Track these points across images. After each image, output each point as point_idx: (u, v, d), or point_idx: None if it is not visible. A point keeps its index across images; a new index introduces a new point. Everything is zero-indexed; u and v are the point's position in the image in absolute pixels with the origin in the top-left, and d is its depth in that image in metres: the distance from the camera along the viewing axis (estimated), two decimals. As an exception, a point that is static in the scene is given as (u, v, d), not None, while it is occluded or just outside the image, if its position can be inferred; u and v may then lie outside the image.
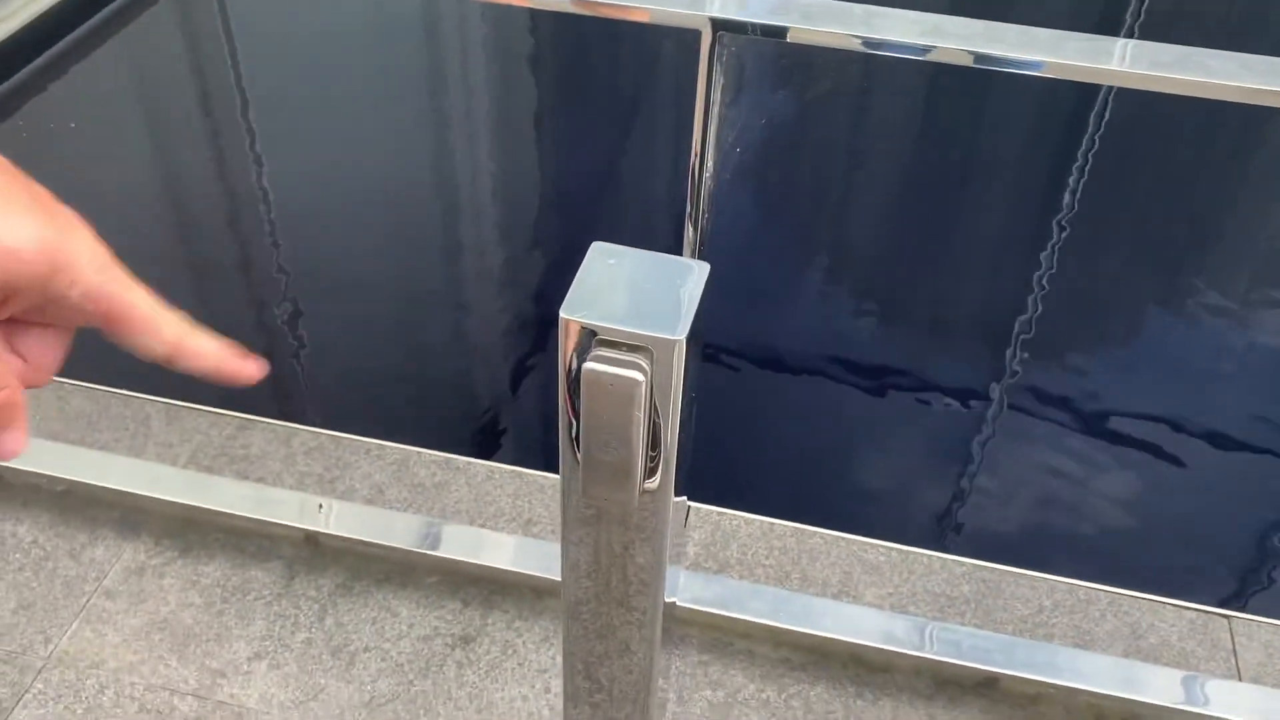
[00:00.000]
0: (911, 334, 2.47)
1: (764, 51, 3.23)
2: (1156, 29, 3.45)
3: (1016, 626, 1.61)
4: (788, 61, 3.26)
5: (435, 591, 1.64)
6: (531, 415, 2.25)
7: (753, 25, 1.27)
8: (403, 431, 1.91)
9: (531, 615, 1.61)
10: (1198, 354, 2.42)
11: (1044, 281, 2.52)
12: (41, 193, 0.46)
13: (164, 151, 2.91)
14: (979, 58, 1.25)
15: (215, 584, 1.64)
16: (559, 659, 1.53)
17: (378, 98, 3.11)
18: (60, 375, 2.05)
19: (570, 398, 0.68)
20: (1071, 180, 2.85)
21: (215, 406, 1.90)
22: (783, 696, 1.53)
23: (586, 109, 3.20)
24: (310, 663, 1.55)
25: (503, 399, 2.30)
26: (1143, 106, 3.05)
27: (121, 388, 1.93)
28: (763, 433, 2.19)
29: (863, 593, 1.65)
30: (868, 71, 3.29)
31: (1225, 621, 1.63)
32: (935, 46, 1.24)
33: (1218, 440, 2.18)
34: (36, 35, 3.02)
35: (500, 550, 1.67)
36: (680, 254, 1.36)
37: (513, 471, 1.81)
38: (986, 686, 1.54)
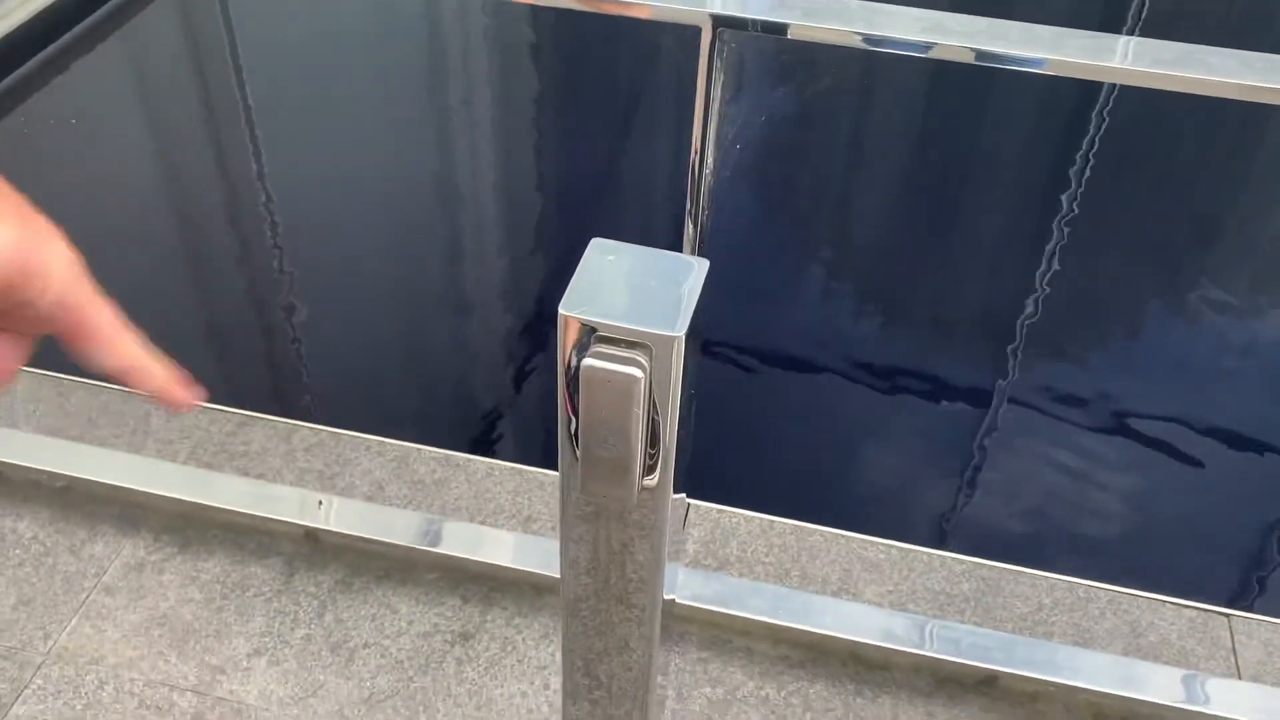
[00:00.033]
0: (911, 331, 2.47)
1: (764, 48, 3.22)
2: (1157, 30, 3.44)
3: (1016, 624, 1.61)
4: (788, 58, 3.26)
5: (435, 588, 1.64)
6: (532, 412, 2.25)
7: (753, 22, 1.27)
8: (403, 428, 1.91)
9: (531, 612, 1.61)
10: (1198, 352, 2.42)
11: (1044, 280, 2.52)
12: (18, 200, 0.47)
13: (165, 147, 2.91)
14: (981, 55, 1.25)
15: (215, 580, 1.64)
16: (558, 656, 1.53)
17: (376, 91, 3.11)
18: (60, 371, 2.06)
19: (569, 394, 0.68)
20: (1073, 178, 2.85)
21: (215, 403, 1.90)
22: (782, 694, 1.53)
23: (587, 106, 3.20)
24: (310, 659, 1.55)
25: (503, 396, 2.30)
26: (1145, 104, 3.05)
27: (121, 384, 1.93)
28: (762, 430, 2.19)
29: (862, 590, 1.65)
30: (869, 69, 3.29)
31: (1225, 620, 1.63)
32: (937, 44, 1.24)
33: (1218, 439, 2.18)
34: (38, 31, 3.02)
35: (500, 547, 1.67)
36: (680, 251, 1.36)
37: (513, 468, 1.81)
38: (986, 684, 1.54)
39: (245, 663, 1.54)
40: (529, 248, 2.73)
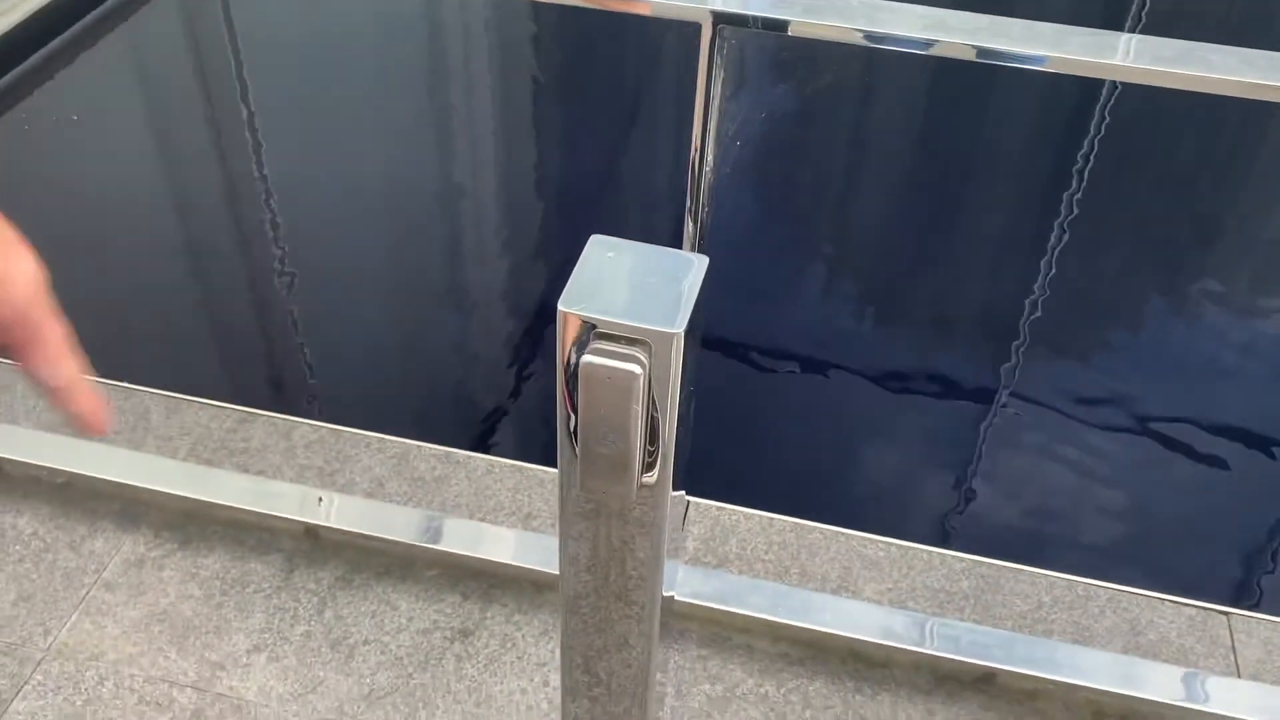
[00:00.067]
0: (912, 329, 2.47)
1: (765, 44, 3.22)
2: (1157, 30, 3.44)
3: (1015, 622, 1.61)
4: (788, 55, 3.25)
5: (435, 585, 1.64)
6: (532, 409, 2.25)
7: (754, 18, 1.27)
8: (403, 425, 1.91)
9: (531, 609, 1.61)
10: (1198, 350, 2.42)
11: (1043, 278, 2.52)
12: None
13: (166, 142, 2.91)
14: (982, 52, 1.25)
15: (215, 576, 1.64)
16: (558, 653, 1.53)
17: (375, 87, 3.11)
18: (60, 367, 1.99)
19: (568, 391, 0.68)
20: (1075, 175, 2.85)
21: (216, 400, 1.90)
22: (781, 691, 1.53)
23: (587, 102, 3.19)
24: (309, 655, 1.55)
25: (503, 393, 2.30)
26: (1147, 101, 3.05)
27: (122, 381, 1.93)
28: (762, 427, 2.19)
29: (862, 588, 1.65)
30: (869, 66, 3.28)
31: (1224, 618, 1.63)
32: (938, 41, 1.24)
33: (1218, 437, 2.18)
34: (39, 28, 3.02)
35: (500, 544, 1.67)
36: (680, 247, 1.36)
37: (513, 466, 1.81)
38: (985, 682, 1.54)
39: (245, 659, 1.54)
40: (529, 244, 2.73)
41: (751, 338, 2.38)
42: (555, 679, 1.53)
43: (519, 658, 1.56)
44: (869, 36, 1.25)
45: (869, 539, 1.71)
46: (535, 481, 1.78)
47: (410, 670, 1.54)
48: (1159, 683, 1.51)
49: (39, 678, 1.51)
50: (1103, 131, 3.00)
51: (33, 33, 3.00)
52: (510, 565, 1.64)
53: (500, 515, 1.73)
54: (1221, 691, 1.51)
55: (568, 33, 3.50)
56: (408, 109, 3.08)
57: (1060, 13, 3.45)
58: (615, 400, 0.66)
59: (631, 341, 0.65)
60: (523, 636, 1.58)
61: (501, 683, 1.53)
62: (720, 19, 1.27)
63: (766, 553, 1.69)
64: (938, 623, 1.58)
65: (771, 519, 1.74)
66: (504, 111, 3.15)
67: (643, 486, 0.72)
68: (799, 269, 2.59)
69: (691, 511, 1.75)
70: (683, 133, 2.10)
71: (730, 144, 2.82)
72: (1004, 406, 2.21)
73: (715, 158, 1.39)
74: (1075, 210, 2.72)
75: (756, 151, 2.92)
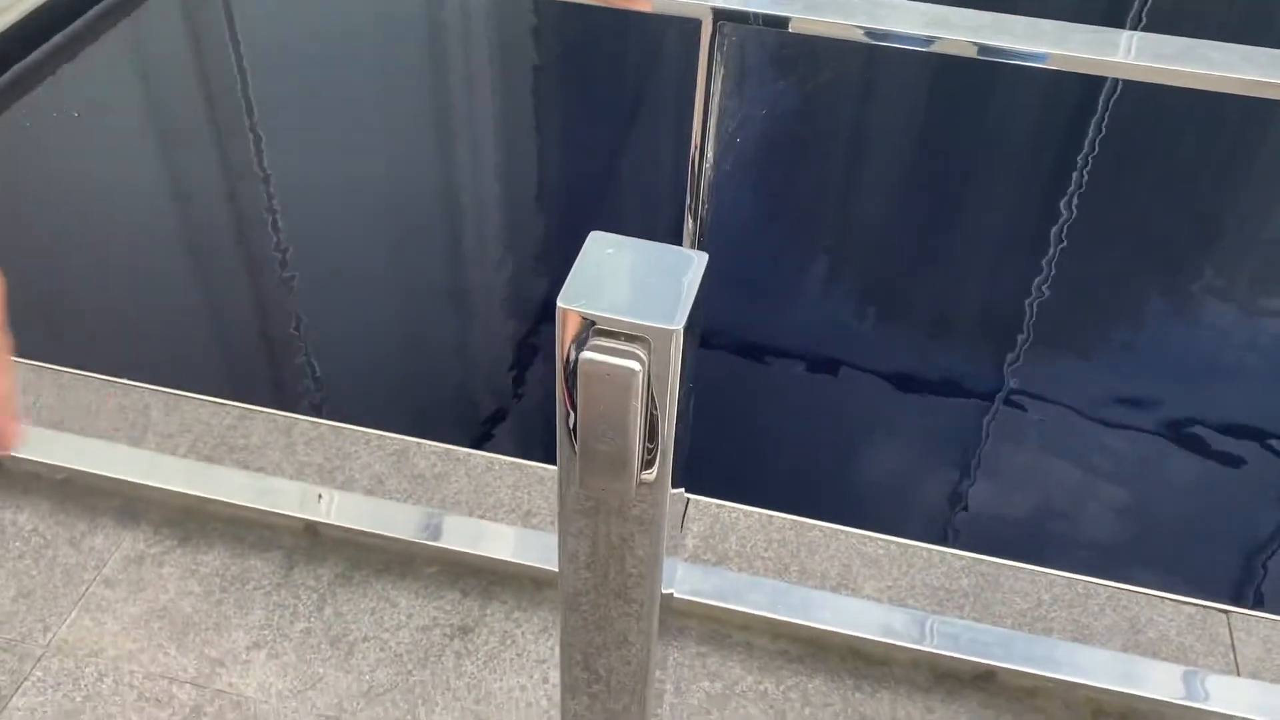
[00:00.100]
0: (912, 326, 2.47)
1: (765, 41, 3.22)
2: (1158, 30, 3.44)
3: (1015, 620, 1.61)
4: (789, 52, 3.25)
5: (434, 582, 1.64)
6: (532, 406, 2.25)
7: (754, 15, 1.26)
8: (403, 422, 1.91)
9: (530, 606, 1.61)
10: (1198, 349, 2.42)
11: (1044, 276, 2.51)
12: None
13: (167, 138, 2.90)
14: (983, 49, 1.24)
15: (214, 573, 1.64)
16: (557, 650, 1.53)
17: (375, 83, 3.10)
18: (61, 364, 2.05)
19: (567, 388, 0.68)
20: (1076, 173, 2.85)
21: (216, 396, 1.90)
22: (781, 688, 1.53)
23: (587, 99, 3.19)
24: (309, 652, 1.55)
25: (503, 390, 2.30)
26: (1148, 99, 3.04)
27: (122, 377, 1.93)
28: (762, 424, 2.19)
29: (861, 586, 1.65)
30: (870, 62, 3.28)
31: (1224, 616, 1.63)
32: (939, 38, 1.24)
33: (1218, 435, 2.18)
34: (41, 24, 3.01)
35: (499, 541, 1.67)
36: (680, 244, 1.36)
37: (512, 463, 1.81)
38: (984, 680, 1.54)
39: (244, 655, 1.54)
40: (528, 240, 2.73)
41: (751, 334, 2.38)
42: (555, 676, 1.53)
43: (518, 655, 1.56)
44: (870, 33, 1.25)
45: (868, 536, 1.71)
46: (535, 479, 1.78)
47: (410, 667, 1.54)
48: (1158, 681, 1.51)
49: (39, 674, 1.51)
50: (1103, 131, 3.00)
51: (33, 30, 3.00)
52: (510, 562, 1.64)
53: (500, 512, 1.73)
54: (1221, 689, 1.51)
55: (569, 29, 3.49)
56: (408, 100, 3.08)
57: (1062, 12, 3.44)
58: (614, 397, 0.66)
59: (630, 338, 0.65)
60: (522, 633, 1.58)
61: (501, 680, 1.53)
62: (720, 15, 1.27)
63: (766, 550, 1.69)
64: (937, 620, 1.58)
65: (771, 516, 1.74)
66: (504, 107, 3.15)
67: (642, 484, 0.72)
68: (799, 266, 2.59)
69: (691, 509, 1.75)
70: (683, 129, 2.09)
71: (730, 141, 2.82)
72: (1003, 404, 2.21)
73: (715, 154, 1.39)
74: (1074, 212, 2.72)
75: (757, 148, 2.91)
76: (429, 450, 1.82)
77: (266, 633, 1.57)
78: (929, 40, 1.25)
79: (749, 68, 3.17)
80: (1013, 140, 3.11)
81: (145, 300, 2.37)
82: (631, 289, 0.66)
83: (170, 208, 2.68)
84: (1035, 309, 2.42)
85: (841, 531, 1.72)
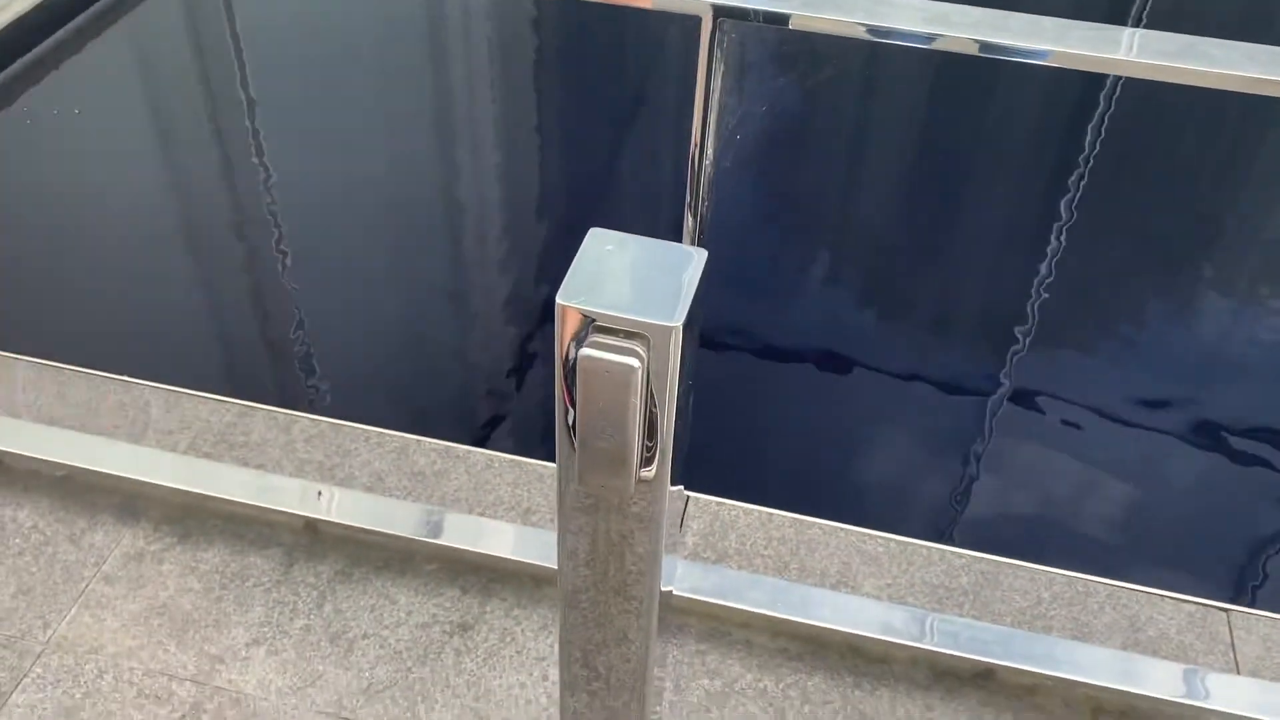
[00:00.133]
0: (912, 324, 2.47)
1: (766, 37, 3.21)
2: (1159, 28, 3.43)
3: (1015, 618, 1.61)
4: (789, 49, 3.25)
5: (434, 579, 1.64)
6: (532, 403, 2.25)
7: (754, 12, 1.26)
8: (403, 419, 1.91)
9: (530, 603, 1.61)
10: (1198, 349, 2.42)
11: (1045, 274, 2.51)
12: None
13: (167, 135, 2.90)
14: (984, 46, 1.24)
15: (214, 570, 1.64)
16: (557, 647, 1.53)
17: (375, 81, 3.10)
18: (60, 361, 2.05)
19: (567, 385, 0.68)
20: (1076, 171, 2.84)
21: (216, 393, 1.90)
22: (780, 686, 1.53)
23: (587, 95, 3.19)
24: (308, 649, 1.55)
25: (503, 387, 2.30)
26: (1150, 97, 3.04)
27: (122, 374, 1.93)
28: (762, 422, 2.19)
29: (861, 583, 1.65)
30: (870, 59, 3.28)
31: (1224, 615, 1.63)
32: (940, 35, 1.24)
33: (1219, 434, 2.17)
34: (41, 20, 3.01)
35: (499, 538, 1.67)
36: (680, 241, 1.35)
37: (512, 460, 1.81)
38: (984, 678, 1.54)
39: (244, 652, 1.54)
40: (528, 237, 2.72)
41: (751, 331, 2.38)
42: (554, 673, 1.53)
43: (518, 652, 1.56)
44: (870, 30, 1.25)
45: (868, 534, 1.71)
46: (535, 476, 1.78)
47: (409, 664, 1.54)
48: (1158, 679, 1.51)
49: (38, 670, 1.51)
50: (1103, 133, 3.00)
51: (33, 27, 2.99)
52: (509, 560, 1.64)
53: (500, 510, 1.73)
54: (1220, 688, 1.51)
55: (569, 25, 3.49)
56: (407, 97, 3.07)
57: (1063, 10, 3.44)
58: (613, 394, 0.66)
59: (630, 335, 0.65)
60: (522, 631, 1.58)
61: (500, 677, 1.53)
62: (720, 12, 1.26)
63: (766, 548, 1.69)
64: (937, 618, 1.58)
65: (771, 514, 1.74)
66: (504, 104, 3.14)
67: (641, 481, 0.72)
68: (799, 263, 2.59)
69: (691, 506, 1.75)
70: (683, 126, 2.09)
71: (731, 138, 2.81)
72: (1004, 402, 2.21)
73: (715, 151, 1.39)
74: (1074, 214, 2.71)
75: (757, 145, 2.91)
76: (429, 447, 1.82)
77: (266, 630, 1.57)
78: (930, 37, 1.24)
79: (749, 64, 3.17)
80: (1013, 138, 3.10)
81: (145, 297, 2.37)
82: (631, 286, 0.66)
83: (171, 205, 2.68)
84: (1035, 308, 2.42)
85: (841, 529, 1.72)
